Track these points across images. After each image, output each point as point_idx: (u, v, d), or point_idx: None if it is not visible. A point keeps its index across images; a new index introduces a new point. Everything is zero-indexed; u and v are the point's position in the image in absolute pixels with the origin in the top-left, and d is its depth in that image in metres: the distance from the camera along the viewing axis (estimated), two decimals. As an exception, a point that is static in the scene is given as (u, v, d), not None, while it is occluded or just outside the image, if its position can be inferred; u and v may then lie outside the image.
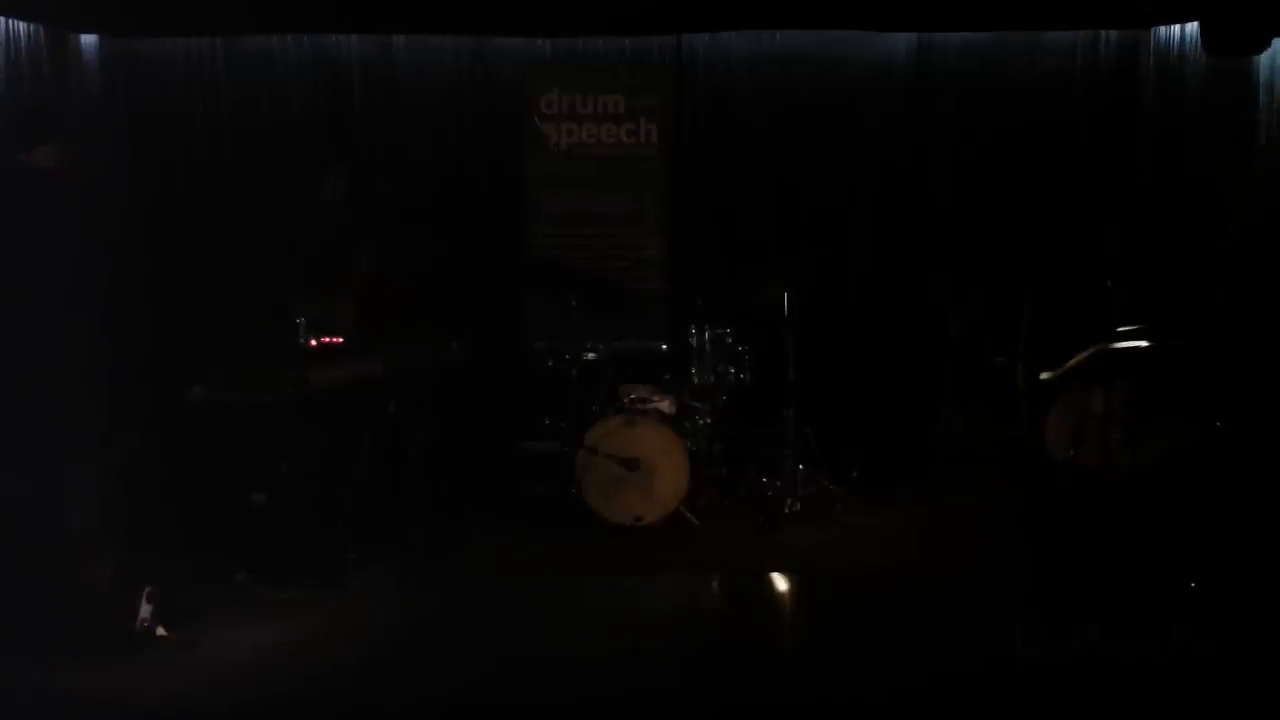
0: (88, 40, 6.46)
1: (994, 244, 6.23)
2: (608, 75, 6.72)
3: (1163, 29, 6.50)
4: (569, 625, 4.28)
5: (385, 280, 5.74)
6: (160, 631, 3.96)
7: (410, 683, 3.71)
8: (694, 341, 5.73)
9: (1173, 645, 3.74)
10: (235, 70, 6.58)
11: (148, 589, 3.96)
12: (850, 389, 6.27)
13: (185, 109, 6.54)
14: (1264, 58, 6.02)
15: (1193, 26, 6.33)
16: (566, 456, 5.40)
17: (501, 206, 6.71)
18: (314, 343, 5.10)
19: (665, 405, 5.67)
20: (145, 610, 3.94)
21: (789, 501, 5.55)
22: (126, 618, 3.91)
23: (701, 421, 5.73)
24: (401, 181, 6.62)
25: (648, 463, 5.29)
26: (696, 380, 5.72)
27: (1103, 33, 6.55)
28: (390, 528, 5.01)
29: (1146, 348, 4.82)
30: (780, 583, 4.75)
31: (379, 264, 6.00)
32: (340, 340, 5.15)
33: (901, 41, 6.63)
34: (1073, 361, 4.96)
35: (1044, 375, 5.21)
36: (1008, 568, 4.68)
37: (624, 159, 6.70)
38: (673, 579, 4.85)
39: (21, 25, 5.92)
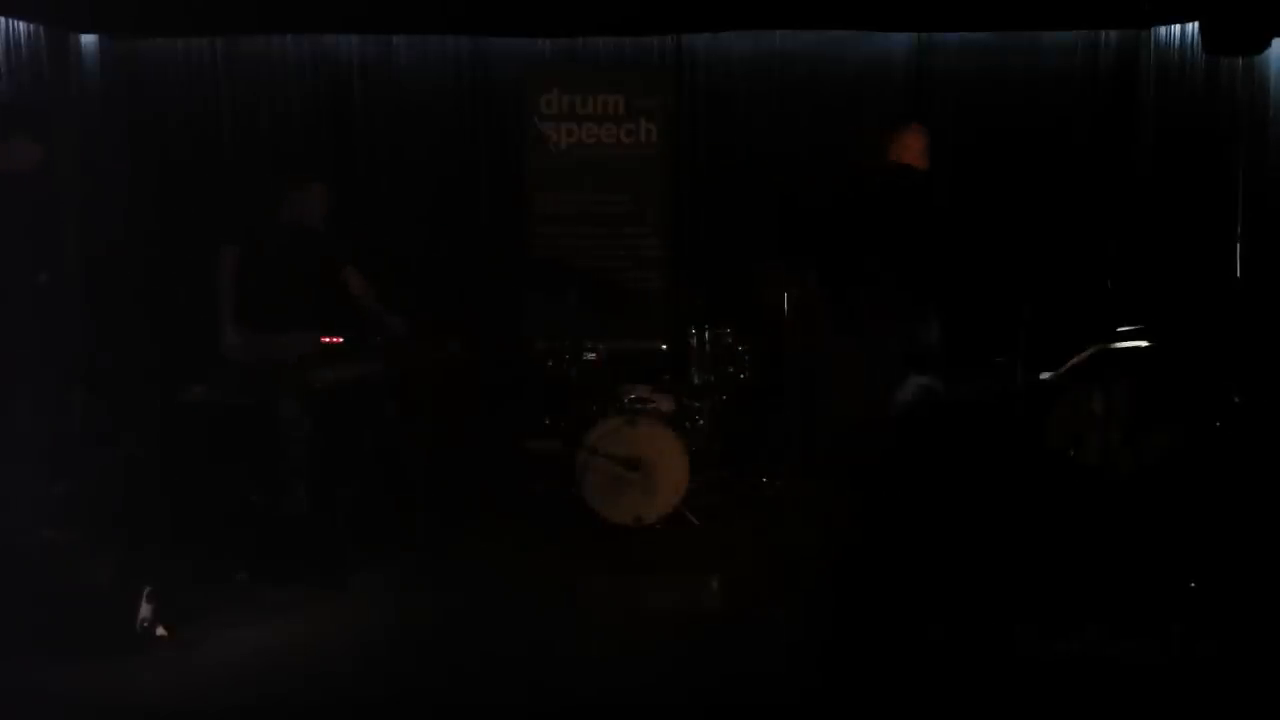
0: (88, 40, 6.47)
1: (993, 243, 6.23)
2: (607, 75, 6.73)
3: (1163, 29, 6.51)
4: (569, 625, 4.28)
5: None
6: (160, 631, 3.95)
7: (410, 682, 3.71)
8: (694, 341, 5.73)
9: (1173, 645, 3.74)
10: (235, 70, 6.59)
11: (148, 589, 3.96)
12: (850, 388, 6.27)
13: (185, 109, 6.55)
14: (1264, 58, 6.02)
15: (1193, 26, 6.34)
16: (566, 456, 5.40)
17: (501, 206, 6.72)
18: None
19: (665, 405, 5.67)
20: (145, 610, 3.94)
21: (789, 501, 5.54)
22: (126, 618, 3.91)
23: (701, 421, 5.73)
24: (401, 181, 6.63)
25: (648, 463, 5.28)
26: (696, 380, 5.72)
27: (1103, 33, 6.57)
28: (390, 528, 5.01)
29: (1146, 348, 4.83)
30: (779, 582, 4.74)
31: (378, 264, 6.01)
32: (340, 340, 5.15)
33: (901, 41, 6.64)
34: (1073, 361, 4.97)
35: (1044, 375, 5.21)
36: (1008, 568, 4.68)
37: (624, 159, 6.71)
38: (673, 579, 4.84)
39: (21, 25, 5.93)
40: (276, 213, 5.20)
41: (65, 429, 4.94)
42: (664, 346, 6.34)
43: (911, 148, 5.34)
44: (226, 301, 5.09)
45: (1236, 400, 5.21)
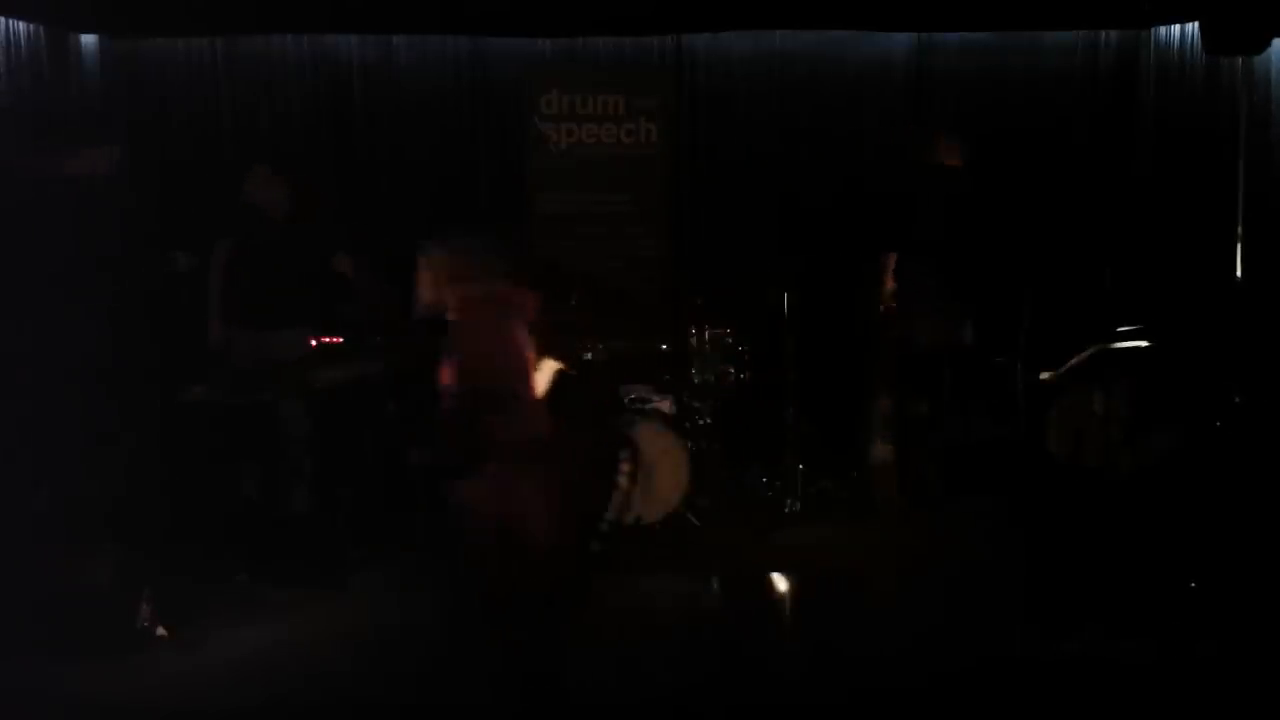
0: (88, 40, 6.47)
1: (994, 244, 6.23)
2: (607, 75, 6.73)
3: (1163, 29, 6.51)
4: (568, 625, 4.28)
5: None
6: (160, 631, 3.95)
7: (410, 682, 3.72)
8: (694, 341, 5.73)
9: (1173, 645, 3.74)
10: (235, 70, 6.59)
11: (148, 589, 3.96)
12: (850, 389, 6.27)
13: (185, 109, 6.55)
14: (1264, 58, 6.02)
15: (1193, 26, 6.34)
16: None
17: (501, 206, 6.71)
18: (314, 343, 5.10)
19: (665, 405, 5.66)
20: (145, 610, 3.94)
21: (789, 501, 5.55)
22: (126, 618, 3.91)
23: (701, 421, 5.73)
24: (401, 181, 6.62)
25: (648, 463, 5.28)
26: (696, 380, 5.72)
27: (1103, 33, 6.56)
28: (390, 528, 5.01)
29: (1146, 348, 4.83)
30: (780, 583, 4.75)
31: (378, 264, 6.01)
32: (340, 340, 5.15)
33: (901, 41, 6.64)
34: (1073, 361, 4.97)
35: (1044, 375, 5.21)
36: (1008, 568, 4.68)
37: (624, 159, 6.70)
38: (673, 579, 4.85)
39: (21, 25, 5.93)
40: (252, 208, 5.19)
41: (66, 429, 4.93)
42: (664, 346, 6.33)
43: (937, 149, 5.63)
44: (214, 297, 5.11)
45: (1236, 400, 5.21)
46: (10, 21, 5.86)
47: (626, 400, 5.66)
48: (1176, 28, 6.47)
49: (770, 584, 4.73)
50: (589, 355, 5.76)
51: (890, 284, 5.57)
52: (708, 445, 5.71)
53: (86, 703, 3.57)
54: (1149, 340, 4.86)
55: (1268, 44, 5.32)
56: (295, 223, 5.20)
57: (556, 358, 4.49)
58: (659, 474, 5.28)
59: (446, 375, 4.34)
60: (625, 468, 4.59)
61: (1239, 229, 5.75)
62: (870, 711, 3.53)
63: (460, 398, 4.10)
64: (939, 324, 5.62)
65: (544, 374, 4.31)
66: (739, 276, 6.31)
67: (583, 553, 4.23)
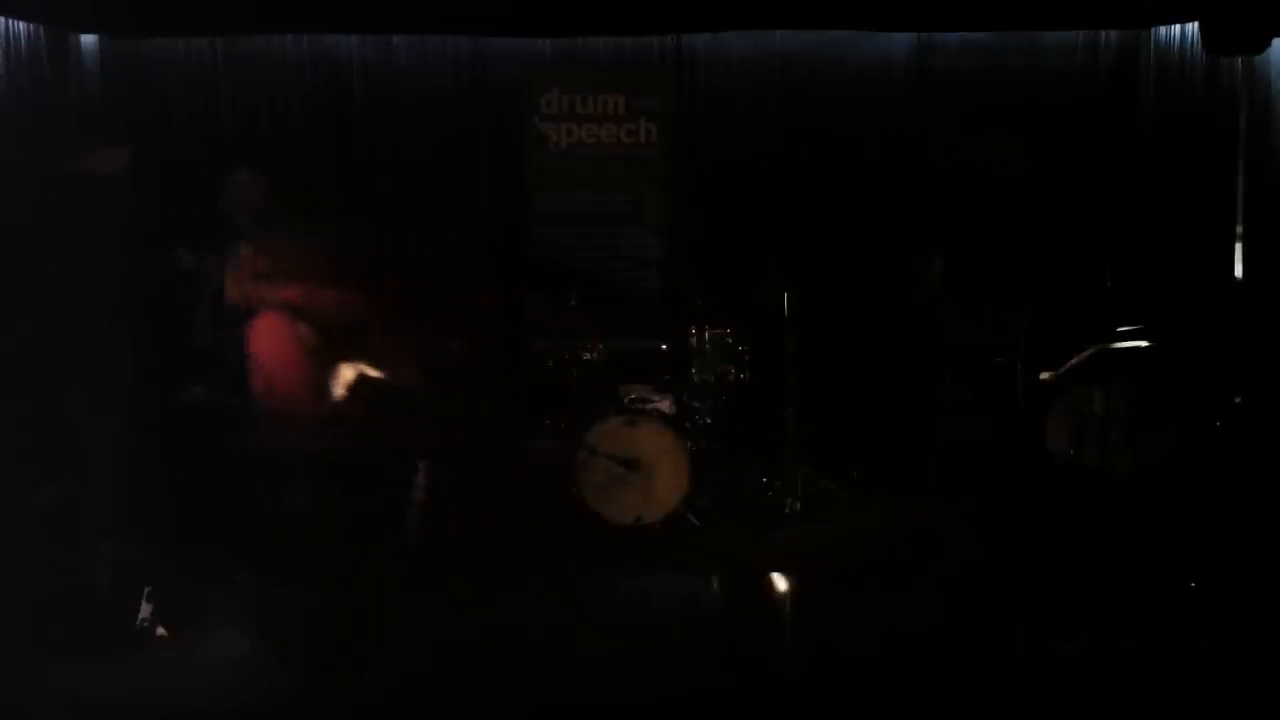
0: (88, 40, 6.47)
1: (993, 244, 6.24)
2: (607, 75, 6.73)
3: (1163, 29, 6.51)
4: (569, 625, 4.28)
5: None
6: (160, 631, 3.96)
7: (410, 682, 3.72)
8: (694, 341, 5.73)
9: (1173, 645, 3.74)
10: (235, 70, 6.59)
11: (148, 589, 3.96)
12: (850, 389, 6.28)
13: (185, 109, 6.55)
14: (1264, 58, 6.02)
15: (1193, 26, 6.34)
16: (566, 456, 5.40)
17: (501, 206, 6.71)
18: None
19: (665, 405, 5.67)
20: (145, 610, 3.94)
21: (789, 501, 5.54)
22: (126, 618, 3.91)
23: (701, 421, 5.73)
24: (401, 181, 6.62)
25: (648, 463, 5.28)
26: (696, 380, 5.72)
27: (1103, 33, 6.57)
28: (390, 527, 5.01)
29: (1146, 348, 4.83)
30: (780, 583, 4.75)
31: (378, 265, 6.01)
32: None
33: (901, 41, 6.64)
34: (1073, 361, 4.97)
35: (1044, 375, 5.21)
36: (1007, 568, 4.68)
37: (624, 159, 6.71)
38: (673, 579, 4.85)
39: (21, 25, 5.93)
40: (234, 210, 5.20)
41: (66, 429, 4.94)
42: (664, 346, 6.34)
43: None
44: (205, 296, 5.13)
45: (1236, 400, 5.21)
46: (10, 21, 5.86)
47: (626, 400, 5.66)
48: (1176, 28, 6.47)
49: (770, 584, 4.73)
50: (589, 355, 5.78)
51: (899, 284, 5.57)
52: (708, 445, 5.71)
53: (86, 703, 3.57)
54: (1149, 340, 4.86)
55: (1268, 44, 5.32)
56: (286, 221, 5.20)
57: (365, 364, 4.42)
58: (659, 474, 5.28)
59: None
60: (421, 479, 4.53)
61: (1239, 229, 5.75)
62: (870, 711, 3.53)
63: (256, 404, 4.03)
64: (939, 324, 5.62)
65: (340, 382, 4.22)
66: (739, 276, 6.31)
67: (374, 571, 4.22)
